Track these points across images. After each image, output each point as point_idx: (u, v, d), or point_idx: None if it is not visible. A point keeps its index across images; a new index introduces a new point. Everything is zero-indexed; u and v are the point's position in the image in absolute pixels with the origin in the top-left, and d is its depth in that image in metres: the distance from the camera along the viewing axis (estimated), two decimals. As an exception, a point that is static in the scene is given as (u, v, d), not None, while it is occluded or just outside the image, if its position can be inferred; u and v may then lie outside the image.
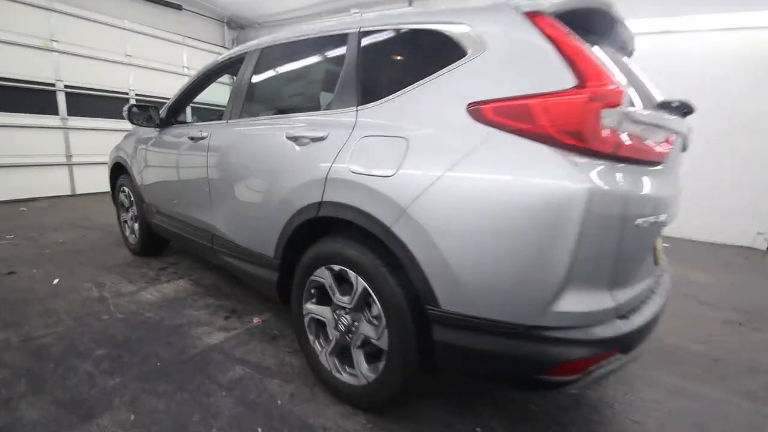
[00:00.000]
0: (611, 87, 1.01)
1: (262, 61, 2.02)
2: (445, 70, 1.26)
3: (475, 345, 1.14)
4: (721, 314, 2.69)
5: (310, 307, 1.63)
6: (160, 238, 2.95)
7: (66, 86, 5.63)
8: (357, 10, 1.75)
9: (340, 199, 1.38)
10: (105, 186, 3.56)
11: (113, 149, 3.30)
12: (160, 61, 6.87)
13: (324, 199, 1.44)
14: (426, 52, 1.38)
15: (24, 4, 5.11)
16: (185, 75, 7.34)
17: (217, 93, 3.19)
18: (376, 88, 1.47)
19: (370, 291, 1.36)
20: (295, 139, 1.61)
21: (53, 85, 5.51)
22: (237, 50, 2.22)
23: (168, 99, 2.70)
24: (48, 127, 5.54)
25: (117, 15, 6.14)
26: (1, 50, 4.97)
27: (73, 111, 5.75)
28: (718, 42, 4.59)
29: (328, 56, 1.77)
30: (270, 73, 2.09)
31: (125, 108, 2.54)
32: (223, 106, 2.14)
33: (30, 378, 1.63)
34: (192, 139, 2.23)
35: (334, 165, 1.41)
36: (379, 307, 1.33)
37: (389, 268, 1.30)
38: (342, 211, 1.38)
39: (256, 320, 2.21)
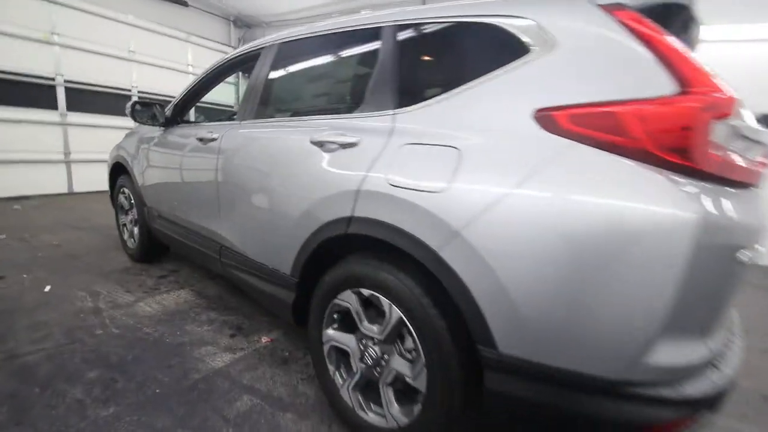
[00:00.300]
0: (721, 95, 0.84)
1: (281, 57, 1.85)
2: (502, 70, 1.09)
3: (539, 399, 0.96)
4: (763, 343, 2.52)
5: (332, 333, 1.44)
6: (161, 243, 2.76)
7: (66, 81, 5.45)
8: (368, 12, 1.60)
9: (375, 215, 1.20)
10: (103, 185, 3.38)
11: (113, 148, 3.12)
12: (165, 59, 6.71)
13: (355, 214, 1.26)
14: (477, 49, 1.21)
15: (25, -6, 4.95)
16: (189, 73, 7.17)
17: (221, 93, 3.03)
18: (417, 89, 1.30)
19: (407, 322, 1.17)
20: (320, 144, 1.43)
21: (53, 79, 5.33)
22: (252, 46, 2.05)
23: (172, 97, 2.53)
24: (46, 123, 5.36)
25: (122, 10, 5.98)
26: (-1, 42, 4.79)
27: (72, 106, 5.57)
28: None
29: (358, 53, 1.59)
30: (289, 71, 1.91)
31: (128, 104, 2.36)
32: (227, 107, 1.97)
33: (12, 405, 1.44)
34: (201, 140, 2.05)
35: (368, 175, 1.23)
36: (417, 342, 1.15)
37: (432, 298, 1.12)
38: (376, 229, 1.20)
39: (264, 339, 2.02)
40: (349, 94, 1.63)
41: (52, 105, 5.38)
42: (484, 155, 1.03)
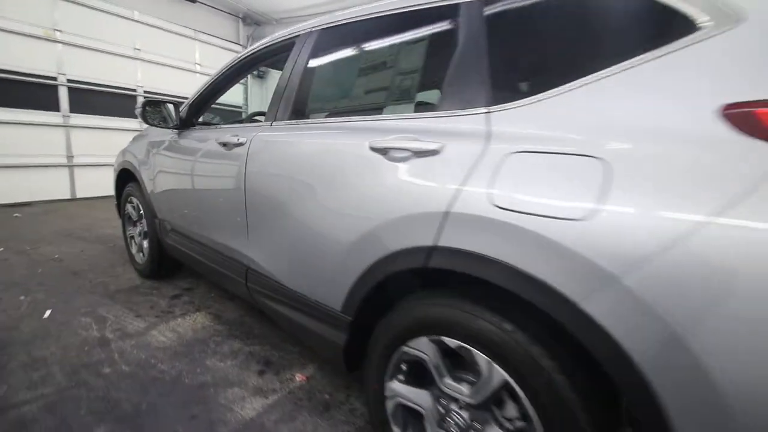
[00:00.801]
0: None
1: (322, 46, 1.56)
2: (654, 53, 0.79)
3: None
4: None
5: (398, 388, 1.15)
6: (174, 259, 2.47)
7: (69, 80, 5.18)
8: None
9: (473, 246, 0.90)
10: (108, 190, 3.10)
11: (120, 153, 2.83)
12: (171, 57, 6.43)
13: (440, 244, 0.96)
14: (611, 25, 0.91)
15: (25, -12, 4.67)
16: (197, 72, 6.90)
17: (228, 93, 2.75)
18: (521, 79, 1.00)
19: (515, 387, 0.88)
20: (384, 151, 1.13)
21: (55, 78, 5.06)
22: (282, 35, 1.76)
23: (179, 97, 2.24)
24: (48, 125, 5.09)
25: (127, 5, 5.71)
26: (-3, 39, 4.52)
27: (75, 107, 5.30)
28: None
29: (428, 36, 1.29)
30: (335, 62, 1.61)
31: (138, 104, 2.09)
32: (235, 107, 1.68)
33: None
34: (224, 145, 1.75)
35: (461, 193, 0.93)
36: (533, 414, 0.86)
37: (561, 363, 0.83)
38: (474, 266, 0.91)
39: (298, 377, 1.73)
40: (417, 87, 1.33)
41: (54, 106, 5.12)
42: (649, 169, 0.73)
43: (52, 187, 5.24)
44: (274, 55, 1.86)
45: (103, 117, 5.59)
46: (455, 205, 0.94)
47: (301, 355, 1.90)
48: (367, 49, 1.50)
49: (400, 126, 1.17)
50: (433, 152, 1.03)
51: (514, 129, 0.93)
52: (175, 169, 2.16)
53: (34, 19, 4.78)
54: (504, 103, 0.97)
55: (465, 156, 0.97)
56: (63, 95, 5.17)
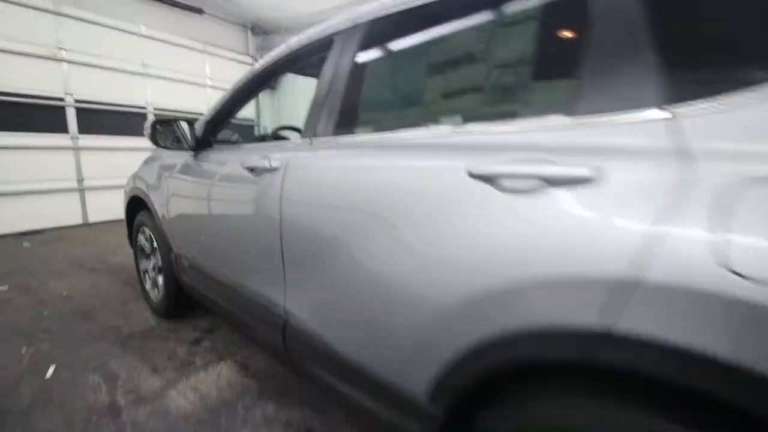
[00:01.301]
0: None
1: (373, 40, 1.22)
2: None
3: None
4: None
5: None
6: (192, 298, 2.16)
7: (77, 101, 4.96)
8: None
9: (693, 339, 0.55)
10: (120, 212, 2.80)
11: (130, 178, 2.54)
12: (181, 72, 6.21)
13: (618, 327, 0.61)
14: None
15: (27, 7, 4.48)
16: (207, 86, 6.67)
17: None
18: (725, 59, 0.65)
19: None
20: (492, 179, 0.79)
21: (62, 99, 4.85)
22: (314, 34, 1.43)
23: (191, 114, 1.94)
24: (56, 148, 4.88)
25: (133, 20, 5.50)
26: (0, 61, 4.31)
27: (84, 128, 5.08)
28: None
29: (537, 13, 0.93)
30: (393, 58, 1.27)
31: (147, 124, 1.77)
32: (248, 121, 1.35)
33: None
34: (251, 170, 1.42)
35: (656, 247, 0.58)
36: None
37: None
38: (700, 375, 0.55)
39: (353, 456, 1.38)
40: (529, 83, 0.97)
41: (62, 128, 4.91)
42: None
43: (62, 212, 5.02)
44: (305, 59, 1.54)
45: (113, 137, 5.36)
46: (645, 266, 0.58)
47: (352, 425, 1.55)
48: (442, 36, 1.14)
49: (509, 142, 0.82)
50: (583, 180, 0.68)
51: (726, 140, 0.58)
52: (192, 197, 1.85)
53: (37, 39, 4.58)
54: (699, 98, 0.62)
55: (650, 185, 0.61)
56: (71, 116, 4.96)
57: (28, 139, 4.61)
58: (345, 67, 1.24)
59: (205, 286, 1.86)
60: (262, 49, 7.52)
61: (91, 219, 5.31)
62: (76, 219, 5.18)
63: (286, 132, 2.45)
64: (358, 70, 1.24)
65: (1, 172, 4.44)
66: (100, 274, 3.33)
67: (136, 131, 5.65)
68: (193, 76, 6.44)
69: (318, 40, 1.40)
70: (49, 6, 4.64)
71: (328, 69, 1.30)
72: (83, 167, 5.15)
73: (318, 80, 1.34)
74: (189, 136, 1.82)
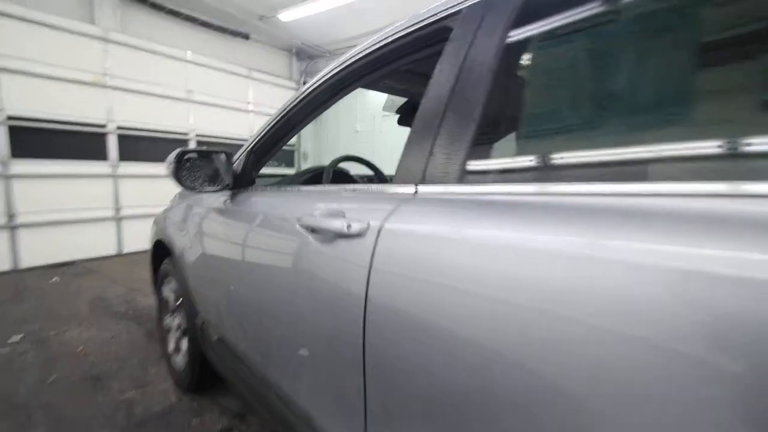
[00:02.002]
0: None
1: (530, 16, 0.70)
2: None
3: None
4: None
5: None
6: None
7: (119, 127, 4.80)
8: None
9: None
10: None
11: (156, 218, 2.14)
12: (224, 97, 6.04)
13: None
14: None
15: (74, 33, 4.38)
16: (250, 112, 6.47)
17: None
18: None
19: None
20: None
21: (104, 126, 4.69)
22: (416, 20, 0.93)
23: (233, 141, 1.49)
24: (96, 176, 4.69)
25: (179, 45, 5.38)
26: (43, 86, 4.18)
27: (125, 155, 4.89)
28: None
29: None
30: (592, 43, 0.74)
31: (170, 159, 1.30)
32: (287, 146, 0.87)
33: None
34: (312, 230, 0.92)
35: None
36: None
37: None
38: None
39: None
40: None
41: (102, 155, 4.73)
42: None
43: (98, 243, 4.79)
44: (391, 63, 1.05)
45: (153, 164, 5.16)
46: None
47: None
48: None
49: None
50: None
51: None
52: (227, 255, 1.37)
53: (82, 65, 4.46)
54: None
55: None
56: (112, 143, 4.78)
57: (67, 167, 4.44)
58: (483, 66, 0.72)
59: (237, 374, 1.36)
60: (307, 74, 7.32)
61: (126, 249, 5.05)
62: (110, 249, 4.94)
63: (341, 164, 1.96)
64: (510, 69, 0.73)
65: (37, 202, 4.25)
66: (123, 320, 2.93)
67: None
68: (236, 101, 6.26)
69: (420, 30, 0.91)
70: (97, 32, 4.54)
71: (444, 73, 0.80)
72: (121, 195, 4.94)
73: (427, 92, 0.83)
74: (226, 172, 1.36)
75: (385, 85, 1.42)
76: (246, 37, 6.28)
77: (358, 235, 0.78)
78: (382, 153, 6.88)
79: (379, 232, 0.75)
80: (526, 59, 0.75)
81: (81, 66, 4.44)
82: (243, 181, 1.44)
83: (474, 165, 0.71)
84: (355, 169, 2.06)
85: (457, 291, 0.60)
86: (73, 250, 4.58)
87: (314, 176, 1.67)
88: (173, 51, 5.29)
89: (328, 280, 0.86)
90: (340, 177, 1.73)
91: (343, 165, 1.94)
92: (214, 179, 1.34)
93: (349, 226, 0.79)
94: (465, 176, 0.70)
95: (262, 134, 1.42)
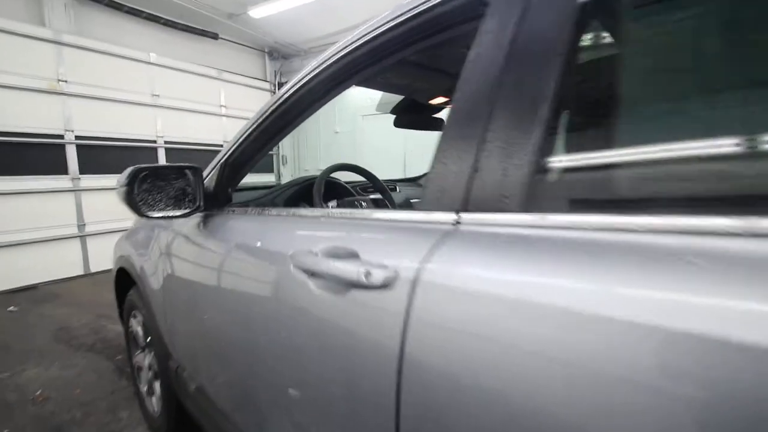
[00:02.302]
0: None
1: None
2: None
3: None
4: None
5: None
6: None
7: (78, 137, 4.41)
8: None
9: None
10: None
11: (117, 243, 1.87)
12: (195, 101, 5.69)
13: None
14: None
15: (23, 36, 3.98)
16: (222, 116, 6.14)
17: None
18: None
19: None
20: None
21: (61, 136, 4.30)
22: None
23: (207, 146, 1.24)
24: (54, 191, 4.29)
25: (142, 47, 5.01)
26: (-9, 96, 3.79)
27: (86, 167, 4.51)
28: None
29: None
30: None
31: (121, 180, 1.05)
32: None
33: None
34: (312, 275, 0.70)
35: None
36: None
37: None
38: None
39: None
40: None
41: (62, 168, 4.34)
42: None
43: (61, 263, 4.40)
44: (400, 50, 0.83)
45: (119, 176, 4.77)
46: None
47: None
48: None
49: None
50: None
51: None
52: (200, 293, 1.14)
53: (35, 71, 4.06)
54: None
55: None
56: (71, 155, 4.39)
57: (22, 183, 4.04)
58: (548, 43, 0.52)
59: (218, 426, 1.13)
60: (282, 74, 7.02)
61: (93, 268, 4.67)
62: (76, 269, 4.56)
63: (335, 174, 1.73)
64: (595, 44, 0.53)
65: (-10, 223, 3.85)
66: (90, 353, 2.63)
67: (145, 168, 5.09)
68: (207, 105, 5.92)
69: (441, 5, 0.70)
70: (48, 35, 4.14)
71: (485, 59, 0.59)
72: (85, 211, 4.56)
73: (460, 86, 0.62)
74: (195, 191, 1.12)
75: (384, 80, 1.21)
76: (215, 36, 5.94)
77: (383, 286, 0.57)
78: (365, 154, 6.68)
79: (414, 283, 0.53)
80: (622, 28, 0.55)
81: (32, 72, 4.05)
82: (217, 200, 1.21)
83: (545, 185, 0.50)
84: (345, 176, 1.84)
85: (542, 382, 0.40)
86: (33, 273, 4.18)
87: (302, 189, 1.45)
88: (135, 53, 4.92)
89: (340, 349, 0.64)
90: (331, 188, 1.51)
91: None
92: (180, 201, 1.09)
93: (368, 274, 0.58)
94: (532, 201, 0.50)
95: (237, 143, 1.18)
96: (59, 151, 4.32)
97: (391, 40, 0.81)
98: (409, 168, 6.21)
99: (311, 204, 1.33)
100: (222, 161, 1.21)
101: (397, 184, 2.00)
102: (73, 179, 4.43)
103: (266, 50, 6.86)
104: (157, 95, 5.20)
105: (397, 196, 1.77)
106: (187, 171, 1.10)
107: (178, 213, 1.07)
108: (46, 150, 4.21)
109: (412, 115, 1.52)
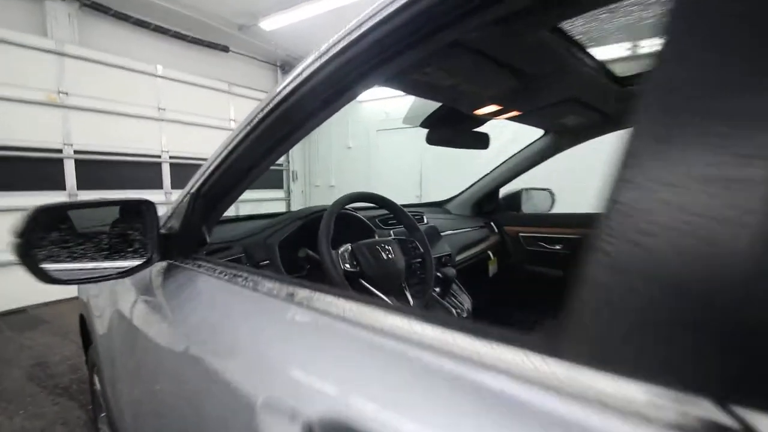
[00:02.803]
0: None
1: None
2: None
3: None
4: None
5: None
6: None
7: (76, 152, 4.18)
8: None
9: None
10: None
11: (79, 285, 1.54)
12: (202, 115, 5.47)
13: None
14: None
15: (24, 47, 3.79)
16: (232, 130, 5.89)
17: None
18: None
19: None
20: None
21: (60, 151, 4.08)
22: None
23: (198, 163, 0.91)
24: (50, 208, 4.04)
25: (147, 59, 4.81)
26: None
27: (84, 183, 4.26)
28: None
29: None
30: None
31: (18, 227, 0.71)
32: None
33: None
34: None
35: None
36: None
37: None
38: None
39: None
40: None
41: (59, 184, 4.10)
42: None
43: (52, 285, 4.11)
44: (458, 19, 0.49)
45: (118, 191, 4.53)
46: None
47: None
48: None
49: None
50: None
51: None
52: (145, 374, 0.78)
53: (35, 83, 3.86)
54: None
55: None
56: (69, 170, 4.16)
57: (15, 199, 3.80)
58: None
59: None
60: (292, 88, 6.79)
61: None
62: (69, 290, 4.26)
63: (354, 208, 1.37)
64: None
65: (-24, 242, 3.59)
66: (63, 399, 2.29)
67: (149, 183, 4.85)
68: (216, 119, 5.69)
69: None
70: (50, 46, 3.96)
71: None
72: (82, 229, 4.29)
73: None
74: (147, 235, 0.77)
75: (419, 79, 0.85)
76: (225, 49, 5.75)
77: None
78: (379, 170, 6.37)
79: None
80: None
81: (31, 84, 3.85)
82: (185, 244, 0.87)
83: None
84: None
85: None
86: (23, 295, 3.91)
87: (307, 225, 1.10)
88: (141, 65, 4.72)
89: None
90: (344, 222, 1.16)
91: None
92: (120, 248, 0.75)
93: None
94: None
95: (214, 166, 0.85)
96: (57, 166, 4.09)
97: (431, 9, 0.47)
98: (426, 186, 5.86)
99: (315, 247, 0.98)
100: (192, 191, 0.88)
101: (423, 212, 1.65)
102: (70, 195, 4.18)
103: (278, 63, 6.66)
104: (163, 109, 4.98)
105: (427, 230, 1.41)
106: (136, 206, 0.75)
107: (113, 271, 0.72)
108: (42, 165, 3.98)
109: (449, 129, 1.18)
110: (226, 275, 0.69)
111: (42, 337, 3.30)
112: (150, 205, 0.78)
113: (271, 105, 0.73)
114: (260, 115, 0.76)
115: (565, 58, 0.88)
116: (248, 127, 0.79)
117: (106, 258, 0.73)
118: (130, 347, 0.90)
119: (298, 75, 0.68)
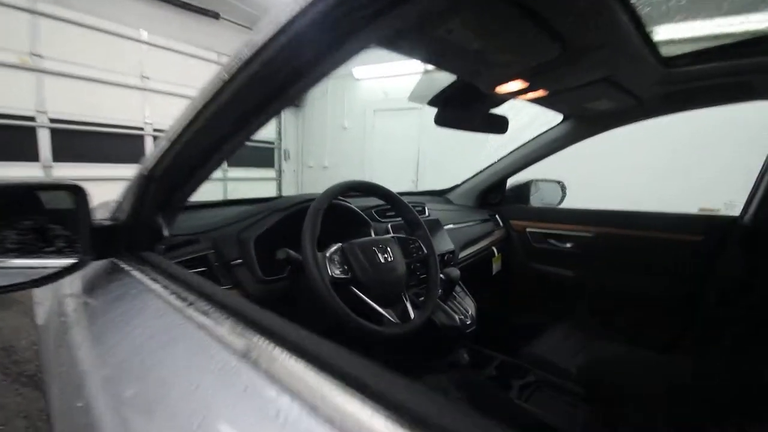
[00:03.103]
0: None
1: None
2: None
3: None
4: None
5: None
6: None
7: (52, 120, 3.91)
8: None
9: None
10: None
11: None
12: (190, 86, 5.16)
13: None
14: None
15: (-9, 2, 3.48)
16: (220, 103, 5.60)
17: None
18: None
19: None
20: None
21: (32, 119, 3.80)
22: None
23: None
24: (22, 180, 3.79)
25: (131, 23, 4.48)
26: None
27: (61, 155, 4.01)
28: None
29: None
30: None
31: None
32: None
33: None
34: None
35: None
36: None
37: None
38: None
39: None
40: None
41: (31, 155, 3.84)
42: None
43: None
44: None
45: (98, 165, 4.28)
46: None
47: None
48: None
49: None
50: None
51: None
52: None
53: (4, 42, 3.55)
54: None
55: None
56: (44, 140, 3.89)
57: (-17, 170, 3.55)
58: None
59: None
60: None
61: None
62: (45, 269, 4.06)
63: (354, 199, 1.18)
64: None
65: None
66: (27, 389, 2.13)
67: (130, 157, 4.59)
68: (204, 91, 5.39)
69: None
70: (22, 3, 3.63)
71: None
72: (58, 203, 4.06)
73: None
74: (78, 230, 0.60)
75: (436, 44, 0.65)
76: (216, 16, 5.41)
77: None
78: (374, 154, 6.15)
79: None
80: None
81: (1, 44, 3.54)
82: (135, 238, 0.69)
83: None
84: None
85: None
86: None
87: (291, 218, 0.93)
88: (124, 29, 4.39)
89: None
90: (334, 214, 0.98)
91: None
92: (38, 247, 0.57)
93: None
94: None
95: (172, 140, 0.67)
96: (29, 135, 3.82)
97: None
98: (423, 170, 5.67)
99: (299, 246, 0.80)
100: (145, 173, 0.69)
101: (424, 203, 1.47)
102: (44, 167, 3.92)
103: (272, 35, 6.31)
104: (147, 77, 4.68)
105: (429, 224, 1.24)
106: (59, 193, 0.57)
107: (23, 278, 0.54)
108: (13, 133, 3.70)
109: (462, 109, 1.00)
110: (171, 292, 0.51)
111: (13, 318, 3.11)
112: (80, 191, 0.59)
113: (244, 60, 0.54)
114: (231, 74, 0.57)
115: (619, 29, 0.70)
116: (215, 91, 0.61)
117: (18, 258, 0.55)
118: (54, 350, 0.73)
119: (278, 21, 0.49)
